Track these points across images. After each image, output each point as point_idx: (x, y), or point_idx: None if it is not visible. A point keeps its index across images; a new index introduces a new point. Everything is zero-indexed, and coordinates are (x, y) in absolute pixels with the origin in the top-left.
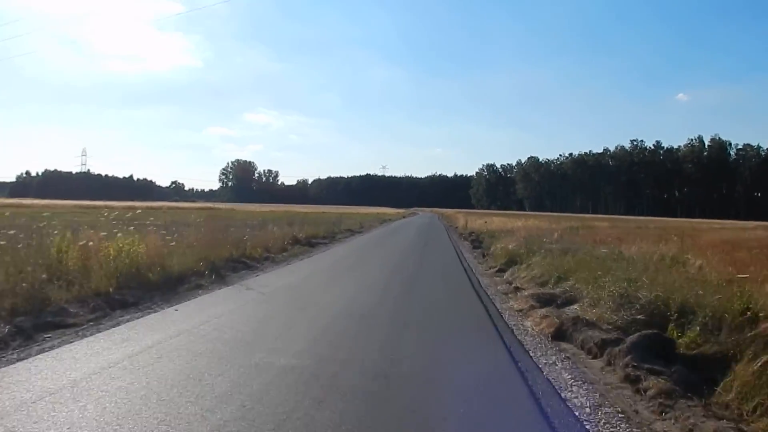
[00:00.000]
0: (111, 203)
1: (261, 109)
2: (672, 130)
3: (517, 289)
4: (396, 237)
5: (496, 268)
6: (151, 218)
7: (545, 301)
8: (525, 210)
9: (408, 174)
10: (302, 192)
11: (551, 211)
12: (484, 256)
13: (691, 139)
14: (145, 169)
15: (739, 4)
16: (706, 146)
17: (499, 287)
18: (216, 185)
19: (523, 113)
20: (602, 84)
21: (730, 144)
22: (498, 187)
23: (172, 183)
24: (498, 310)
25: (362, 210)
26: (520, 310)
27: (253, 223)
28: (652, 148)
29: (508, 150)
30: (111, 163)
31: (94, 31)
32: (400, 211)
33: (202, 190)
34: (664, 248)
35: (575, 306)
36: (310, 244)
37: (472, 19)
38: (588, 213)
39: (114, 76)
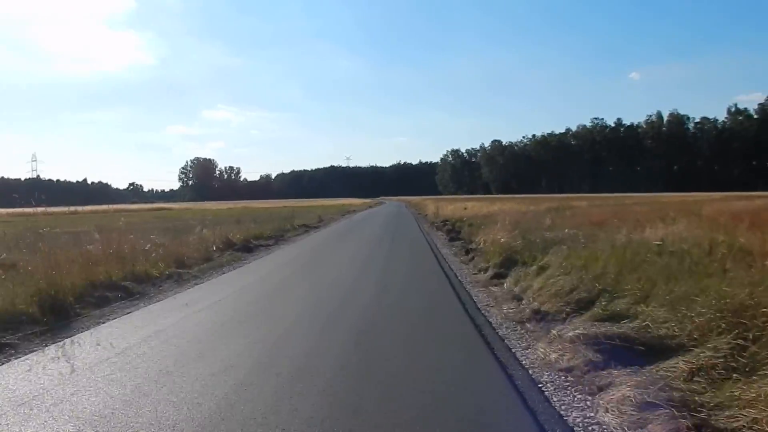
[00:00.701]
0: (51, 209)
1: (221, 106)
2: (630, 107)
3: (537, 314)
4: (357, 233)
5: (490, 273)
6: (67, 225)
7: (619, 354)
8: (491, 193)
9: (373, 164)
10: (266, 187)
11: (518, 193)
12: (467, 252)
13: (650, 115)
14: (102, 173)
15: None
16: (665, 121)
17: (505, 309)
18: (177, 185)
19: (485, 97)
20: (561, 65)
21: (688, 118)
22: (464, 172)
23: (130, 185)
24: (538, 387)
25: (327, 202)
26: (588, 393)
27: (192, 224)
28: (613, 125)
29: (472, 136)
30: (66, 167)
31: (41, 31)
32: (366, 201)
33: (163, 191)
34: (690, 229)
35: (676, 361)
36: (247, 248)
37: (431, 4)
38: (555, 193)
39: (65, 78)
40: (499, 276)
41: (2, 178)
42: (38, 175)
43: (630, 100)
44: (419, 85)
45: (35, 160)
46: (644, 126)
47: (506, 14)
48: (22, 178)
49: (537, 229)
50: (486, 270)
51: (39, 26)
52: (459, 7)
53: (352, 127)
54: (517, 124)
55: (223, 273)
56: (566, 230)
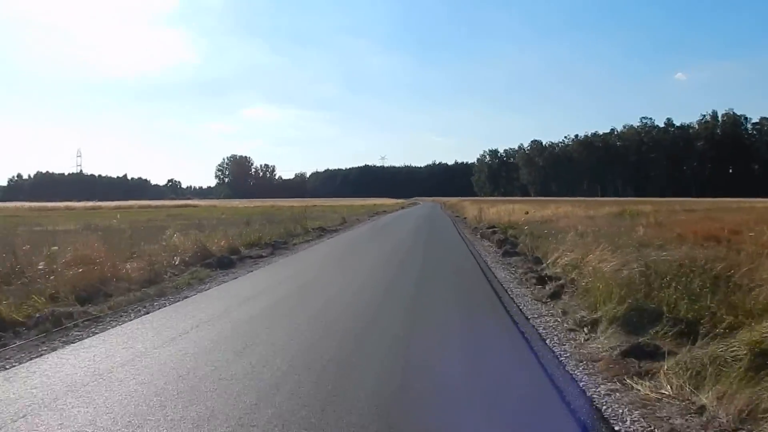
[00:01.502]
0: (98, 204)
1: (259, 104)
2: (676, 109)
3: None
4: (380, 242)
5: (611, 342)
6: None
7: None
8: (530, 196)
9: (407, 164)
10: (300, 186)
11: (558, 196)
12: (542, 282)
13: (704, 115)
14: (142, 169)
15: None
16: (720, 122)
17: None
18: (214, 182)
19: (519, 99)
20: (599, 67)
21: (746, 118)
22: (501, 174)
23: (169, 181)
24: None
25: (358, 202)
26: None
27: (207, 223)
28: (663, 126)
29: (507, 136)
30: (107, 163)
31: (87, 29)
32: (399, 201)
33: (201, 188)
34: None
35: None
36: (224, 262)
37: (463, 5)
38: (597, 196)
39: (109, 75)
40: (639, 353)
41: (47, 172)
42: (80, 170)
43: (676, 102)
44: (454, 86)
45: (80, 156)
46: (696, 127)
47: (538, 18)
48: (66, 173)
49: (632, 244)
50: (592, 326)
51: (85, 23)
52: (493, 8)
53: (387, 126)
54: (555, 127)
55: (147, 313)
56: (683, 247)
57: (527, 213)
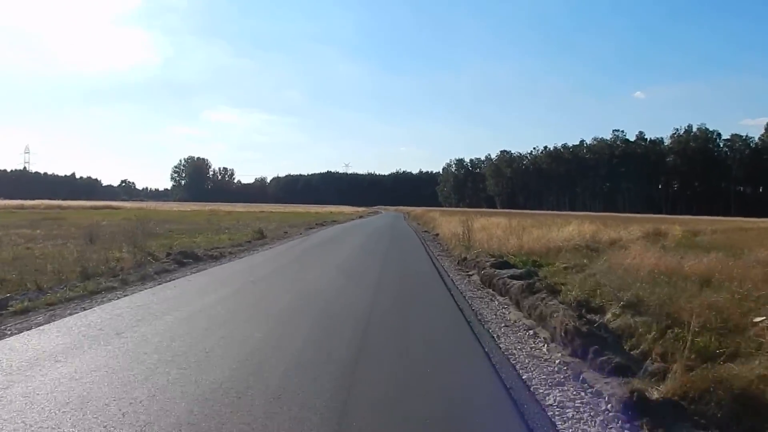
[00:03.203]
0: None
1: (222, 108)
2: (634, 127)
3: None
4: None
5: None
6: None
7: None
8: (496, 207)
9: (371, 171)
10: (260, 191)
11: (524, 209)
12: None
13: (677, 129)
14: (96, 169)
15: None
16: (692, 137)
17: None
18: (170, 184)
19: (483, 111)
20: (563, 82)
21: (719, 134)
22: (467, 184)
23: (122, 182)
24: None
25: (313, 209)
26: None
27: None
28: (635, 139)
29: (474, 147)
30: (61, 162)
31: (46, 26)
32: (359, 209)
33: (157, 190)
34: None
35: None
36: None
37: (433, 15)
38: (565, 210)
39: (68, 73)
40: None
41: None
42: (25, 168)
43: (634, 119)
44: (421, 95)
45: (28, 153)
46: (670, 141)
47: (506, 31)
48: (8, 170)
49: None
50: None
51: (44, 21)
52: (462, 20)
53: (352, 134)
54: (521, 140)
55: None
56: None
57: (514, 231)
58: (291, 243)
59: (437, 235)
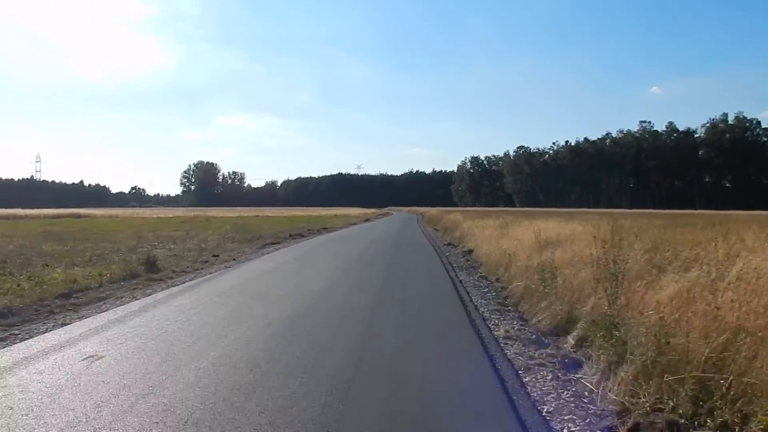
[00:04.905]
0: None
1: (234, 112)
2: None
3: None
4: None
5: None
6: None
7: None
8: (515, 206)
9: (383, 172)
10: (270, 194)
11: (545, 207)
12: None
13: (712, 119)
14: (106, 176)
15: None
16: (729, 127)
17: None
18: (180, 190)
19: (495, 111)
20: (575, 80)
21: (759, 123)
22: (483, 182)
23: (132, 188)
24: None
25: (316, 212)
26: None
27: None
28: (664, 131)
29: (486, 148)
30: (73, 170)
31: (60, 32)
32: (369, 211)
33: (168, 195)
34: None
35: None
36: None
37: (442, 17)
38: (589, 207)
39: (83, 80)
40: None
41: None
42: (33, 176)
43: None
44: (432, 96)
45: (39, 161)
46: (703, 132)
47: (515, 30)
48: (16, 179)
49: None
50: None
51: (59, 26)
52: (472, 20)
53: (363, 136)
54: (534, 138)
55: None
56: None
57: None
58: (245, 270)
59: (470, 252)
